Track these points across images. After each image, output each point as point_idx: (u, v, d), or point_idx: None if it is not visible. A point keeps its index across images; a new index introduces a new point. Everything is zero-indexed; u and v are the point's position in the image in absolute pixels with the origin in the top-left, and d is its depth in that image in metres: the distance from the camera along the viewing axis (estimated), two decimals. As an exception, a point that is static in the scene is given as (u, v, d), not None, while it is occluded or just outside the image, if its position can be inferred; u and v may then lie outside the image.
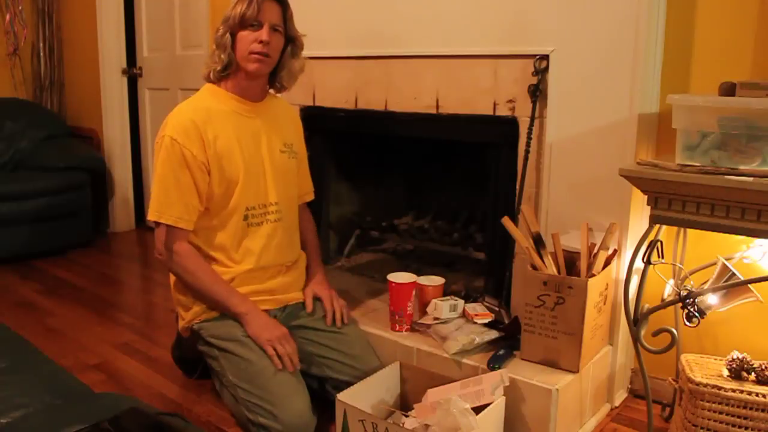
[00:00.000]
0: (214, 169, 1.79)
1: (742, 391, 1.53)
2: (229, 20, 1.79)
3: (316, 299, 1.98)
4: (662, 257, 1.60)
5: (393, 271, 2.00)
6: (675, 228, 1.71)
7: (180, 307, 1.90)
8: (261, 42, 1.77)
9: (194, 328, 1.86)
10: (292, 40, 1.89)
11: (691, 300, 1.57)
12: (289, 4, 1.86)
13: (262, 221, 1.88)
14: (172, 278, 1.92)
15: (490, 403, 1.59)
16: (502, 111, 2.01)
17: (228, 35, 1.80)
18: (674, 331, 1.61)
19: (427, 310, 1.97)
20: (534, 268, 1.74)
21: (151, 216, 1.79)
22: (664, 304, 1.64)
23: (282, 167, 1.94)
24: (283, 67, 1.90)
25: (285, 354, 1.74)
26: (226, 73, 1.83)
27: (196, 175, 1.77)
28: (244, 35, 1.78)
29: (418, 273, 2.03)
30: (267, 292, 1.89)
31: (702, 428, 1.57)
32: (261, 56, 1.79)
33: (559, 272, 1.72)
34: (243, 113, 1.87)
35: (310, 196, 2.15)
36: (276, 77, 1.93)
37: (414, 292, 1.97)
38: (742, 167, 1.40)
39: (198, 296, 1.84)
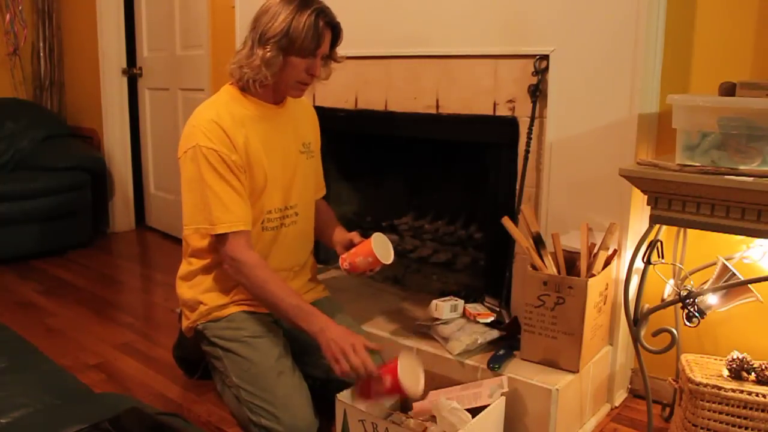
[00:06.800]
0: (247, 173, 1.75)
1: (742, 391, 1.53)
2: (281, 41, 1.66)
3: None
4: (662, 257, 1.60)
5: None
6: (675, 228, 1.71)
7: (185, 307, 1.89)
8: (311, 75, 1.74)
9: (198, 328, 1.85)
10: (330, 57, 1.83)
11: (691, 300, 1.57)
12: (341, 30, 1.77)
13: (277, 225, 1.85)
14: (177, 278, 1.91)
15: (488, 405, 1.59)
16: (502, 111, 2.01)
17: (280, 57, 1.68)
18: (674, 331, 1.61)
19: (428, 310, 1.97)
20: (534, 268, 1.74)
21: (221, 230, 1.68)
22: (664, 304, 1.64)
23: (301, 169, 1.90)
24: None
25: (356, 365, 1.57)
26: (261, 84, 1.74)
27: (241, 177, 1.72)
28: (295, 63, 1.70)
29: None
30: None
31: (702, 428, 1.57)
32: (305, 85, 1.77)
33: (559, 272, 1.72)
34: (265, 117, 1.81)
35: (322, 192, 2.10)
36: None
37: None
38: (742, 167, 1.40)
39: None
